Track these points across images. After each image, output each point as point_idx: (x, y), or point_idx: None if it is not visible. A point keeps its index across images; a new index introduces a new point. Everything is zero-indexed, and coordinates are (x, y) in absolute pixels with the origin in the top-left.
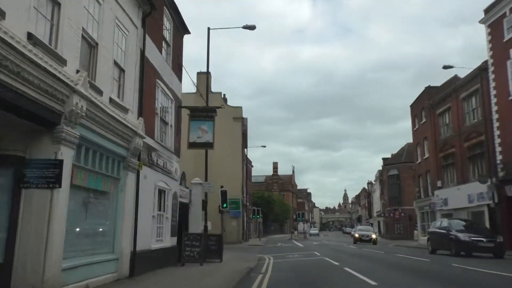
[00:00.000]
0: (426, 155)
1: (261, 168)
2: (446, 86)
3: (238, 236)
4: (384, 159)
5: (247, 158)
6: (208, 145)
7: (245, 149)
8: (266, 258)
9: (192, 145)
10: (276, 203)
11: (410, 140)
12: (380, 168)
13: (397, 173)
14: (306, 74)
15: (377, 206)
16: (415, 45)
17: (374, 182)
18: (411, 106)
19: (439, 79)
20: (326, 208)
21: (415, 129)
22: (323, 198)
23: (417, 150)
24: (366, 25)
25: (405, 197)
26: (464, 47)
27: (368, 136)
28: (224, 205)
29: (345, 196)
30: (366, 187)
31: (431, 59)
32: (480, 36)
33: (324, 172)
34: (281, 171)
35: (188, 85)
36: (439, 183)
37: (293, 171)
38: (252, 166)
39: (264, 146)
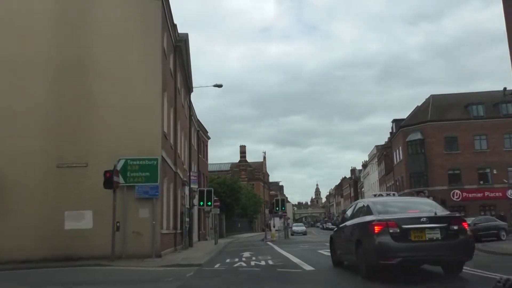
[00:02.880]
0: None
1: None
2: None
3: (153, 241)
4: (396, 120)
5: (193, 115)
6: None
7: (189, 94)
8: None
9: None
10: (243, 192)
11: (380, 139)
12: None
13: (420, 137)
14: (273, 71)
15: (371, 192)
16: (378, 42)
17: (365, 165)
18: None
19: (404, 76)
20: (299, 203)
21: None
22: (293, 195)
23: None
24: (330, 23)
25: (433, 173)
26: (425, 44)
27: (335, 132)
28: None
29: (317, 191)
30: (351, 175)
31: (394, 56)
32: (440, 33)
33: (293, 169)
34: (251, 161)
35: None
36: None
37: (264, 158)
38: (209, 138)
39: (220, 86)
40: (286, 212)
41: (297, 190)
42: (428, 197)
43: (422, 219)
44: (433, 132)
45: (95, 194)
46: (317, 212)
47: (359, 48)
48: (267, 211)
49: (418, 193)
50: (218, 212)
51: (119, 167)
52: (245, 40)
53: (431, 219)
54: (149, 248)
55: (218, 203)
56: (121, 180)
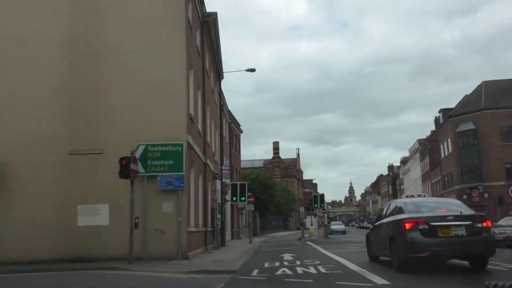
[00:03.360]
0: None
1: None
2: None
3: (178, 241)
4: (443, 110)
5: (225, 105)
6: None
7: (219, 81)
8: None
9: None
10: (278, 189)
11: (415, 136)
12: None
13: (473, 127)
14: (304, 69)
15: (412, 189)
16: (411, 37)
17: (404, 161)
18: None
19: (438, 72)
20: (332, 201)
21: None
22: (326, 194)
23: None
24: (362, 19)
25: (489, 166)
26: (460, 39)
27: (368, 130)
28: None
29: (351, 189)
30: (388, 173)
31: (427, 52)
32: (476, 27)
33: (326, 167)
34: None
35: None
36: None
37: (298, 154)
38: (242, 132)
39: (253, 70)
40: (325, 209)
41: (330, 189)
42: (482, 193)
43: (448, 217)
44: (487, 121)
45: (112, 186)
46: (351, 211)
47: (391, 44)
48: (301, 208)
49: (471, 189)
50: (253, 208)
51: (138, 154)
52: (274, 38)
53: (457, 217)
54: (173, 248)
55: (252, 199)
56: (140, 169)
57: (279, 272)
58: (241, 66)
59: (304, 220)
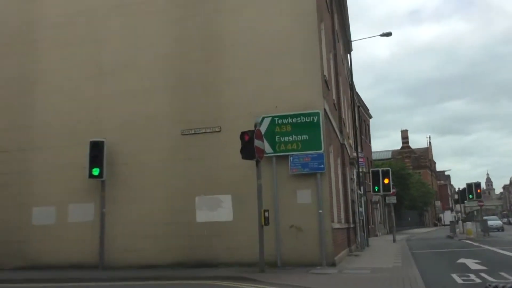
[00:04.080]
0: None
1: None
2: None
3: (321, 241)
4: None
5: (353, 85)
6: None
7: (349, 52)
8: None
9: None
10: (412, 181)
11: None
12: None
13: None
14: (425, 56)
15: None
16: None
17: None
18: None
19: None
20: None
21: None
22: (458, 187)
23: None
24: None
25: None
26: None
27: (502, 116)
28: None
29: (488, 181)
30: None
31: None
32: None
33: (456, 158)
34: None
35: None
36: None
37: (430, 143)
38: (371, 117)
39: (389, 34)
40: (482, 201)
41: (462, 181)
42: None
43: None
44: None
45: (233, 171)
46: (491, 205)
47: None
48: (437, 203)
49: None
50: (395, 201)
51: (263, 129)
52: (392, 26)
53: None
54: (316, 251)
55: (395, 190)
56: (267, 148)
57: None
58: (360, 59)
59: (441, 215)
